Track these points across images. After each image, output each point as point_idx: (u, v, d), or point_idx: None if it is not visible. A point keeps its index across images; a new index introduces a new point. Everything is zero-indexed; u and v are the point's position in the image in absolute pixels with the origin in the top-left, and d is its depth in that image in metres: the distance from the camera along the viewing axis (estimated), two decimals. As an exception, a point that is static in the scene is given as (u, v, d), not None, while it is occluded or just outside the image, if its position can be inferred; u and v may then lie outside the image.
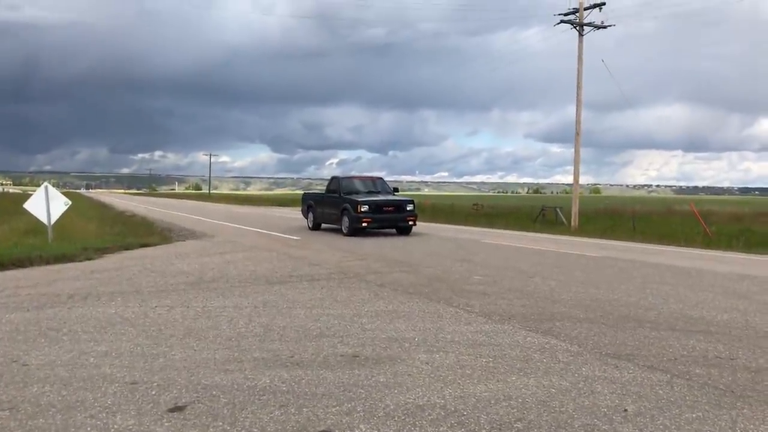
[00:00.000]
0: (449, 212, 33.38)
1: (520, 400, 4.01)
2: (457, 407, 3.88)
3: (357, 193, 19.10)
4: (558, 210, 27.64)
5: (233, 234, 18.94)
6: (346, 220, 18.18)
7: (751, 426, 3.63)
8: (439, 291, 8.31)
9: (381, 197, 18.83)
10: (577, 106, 24.83)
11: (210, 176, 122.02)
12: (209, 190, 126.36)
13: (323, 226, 20.59)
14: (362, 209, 17.72)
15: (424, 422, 3.64)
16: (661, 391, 4.23)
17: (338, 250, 13.99)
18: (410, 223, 18.73)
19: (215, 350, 5.23)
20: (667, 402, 4.02)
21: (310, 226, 20.79)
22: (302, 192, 25.07)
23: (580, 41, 24.58)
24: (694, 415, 3.78)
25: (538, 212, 28.85)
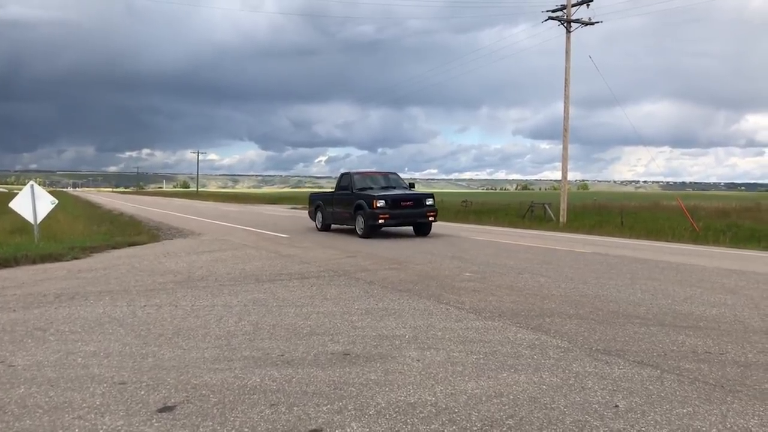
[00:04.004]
0: (439, 209, 33.35)
1: (511, 397, 4.01)
2: (449, 404, 3.87)
3: (371, 189, 17.77)
4: (546, 206, 27.72)
5: (222, 232, 18.85)
6: (360, 219, 16.91)
7: (741, 420, 3.65)
8: (430, 288, 8.31)
9: (397, 192, 17.61)
10: (565, 102, 24.91)
11: (198, 174, 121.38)
12: (197, 188, 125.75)
13: (333, 227, 19.50)
14: (378, 204, 16.46)
15: (416, 420, 3.63)
16: (651, 387, 4.24)
17: (328, 247, 13.96)
18: (430, 218, 17.41)
19: (205, 349, 5.19)
20: (658, 397, 4.03)
21: (319, 227, 19.55)
22: (309, 192, 23.40)
23: (568, 38, 24.64)
24: (684, 411, 3.79)
25: (527, 208, 28.92)
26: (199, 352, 5.09)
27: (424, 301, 7.35)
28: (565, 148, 25.33)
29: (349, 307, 6.97)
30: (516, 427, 3.52)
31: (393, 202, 16.71)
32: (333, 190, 19.57)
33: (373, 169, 20.22)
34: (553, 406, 3.86)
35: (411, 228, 18.25)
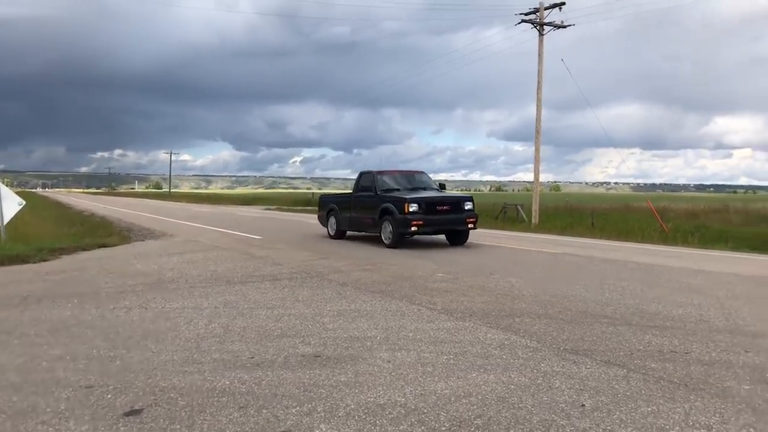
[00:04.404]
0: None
1: (479, 397, 4.04)
2: (418, 405, 3.89)
3: (398, 190, 15.34)
4: (519, 207, 27.96)
5: (194, 233, 18.68)
6: (388, 226, 14.38)
7: (703, 418, 3.72)
8: (403, 289, 8.33)
9: (431, 194, 15.16)
10: (537, 105, 25.14)
11: (170, 175, 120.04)
12: (170, 188, 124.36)
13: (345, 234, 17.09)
14: (411, 209, 13.96)
15: (385, 421, 3.64)
16: (617, 386, 4.30)
17: (301, 249, 13.92)
18: (470, 225, 14.89)
19: (174, 352, 5.14)
20: (624, 396, 4.09)
21: (332, 234, 17.00)
22: (321, 194, 20.91)
23: (541, 41, 24.89)
24: (649, 409, 3.86)
25: (500, 210, 29.13)
26: (168, 355, 5.05)
27: (396, 302, 7.37)
28: (537, 150, 25.57)
29: (321, 309, 6.96)
30: (484, 427, 3.55)
31: (428, 206, 14.28)
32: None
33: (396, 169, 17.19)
34: (520, 405, 3.90)
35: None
